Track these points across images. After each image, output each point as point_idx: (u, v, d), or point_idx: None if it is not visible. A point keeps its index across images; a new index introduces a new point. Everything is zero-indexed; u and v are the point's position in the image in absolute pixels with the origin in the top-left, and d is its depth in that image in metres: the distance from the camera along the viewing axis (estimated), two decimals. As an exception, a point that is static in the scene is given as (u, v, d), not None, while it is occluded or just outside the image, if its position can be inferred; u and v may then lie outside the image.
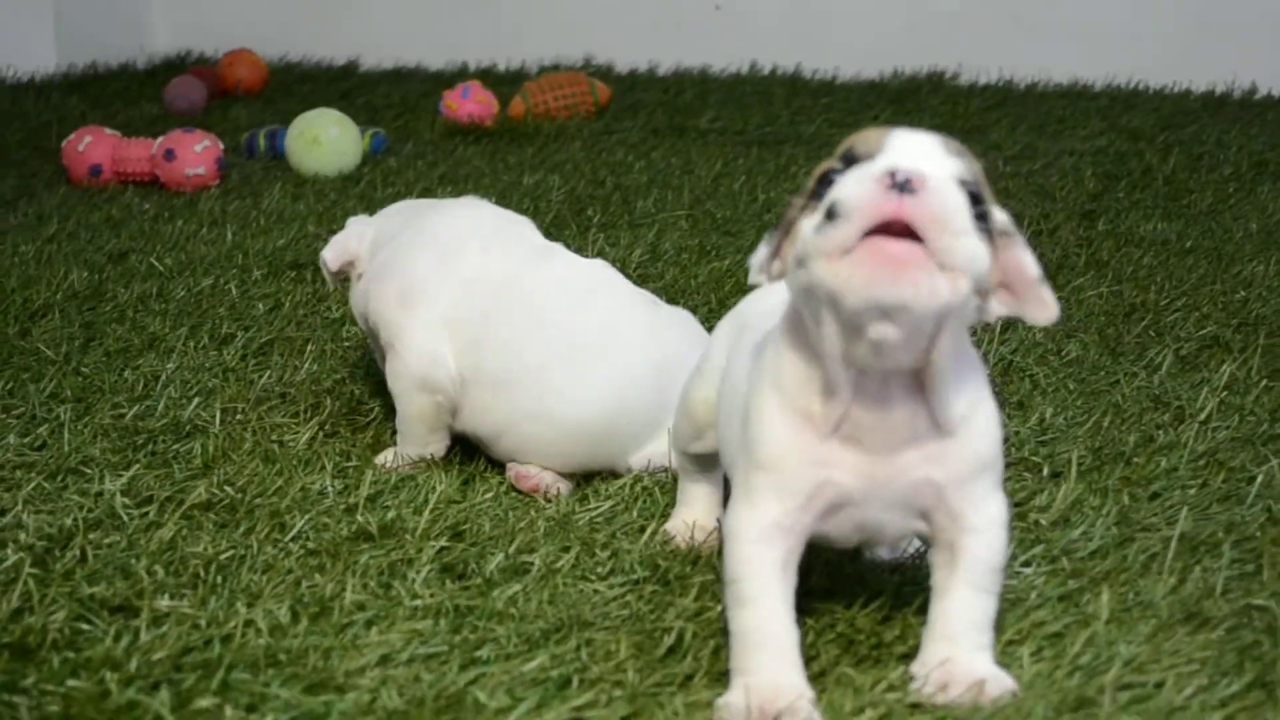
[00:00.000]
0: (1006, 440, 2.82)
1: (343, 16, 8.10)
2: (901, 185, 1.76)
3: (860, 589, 2.26)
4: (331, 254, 2.98)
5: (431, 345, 2.75)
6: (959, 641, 2.00)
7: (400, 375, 2.79)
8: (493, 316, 2.75)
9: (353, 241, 2.98)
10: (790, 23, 7.28)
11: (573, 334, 2.73)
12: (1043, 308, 1.94)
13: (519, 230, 2.93)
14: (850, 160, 1.83)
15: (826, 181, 1.84)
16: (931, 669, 2.00)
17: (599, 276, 2.84)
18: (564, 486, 2.71)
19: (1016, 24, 6.92)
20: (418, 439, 2.81)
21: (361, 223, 3.02)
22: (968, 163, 1.87)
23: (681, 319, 2.86)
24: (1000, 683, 1.97)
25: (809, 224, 1.84)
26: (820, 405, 1.94)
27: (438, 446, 2.82)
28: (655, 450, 2.72)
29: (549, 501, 2.63)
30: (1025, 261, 1.94)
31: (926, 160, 1.81)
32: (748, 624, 1.96)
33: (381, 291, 2.84)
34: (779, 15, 7.31)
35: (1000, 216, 1.92)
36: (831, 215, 1.79)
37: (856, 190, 1.78)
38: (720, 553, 2.14)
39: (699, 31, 7.44)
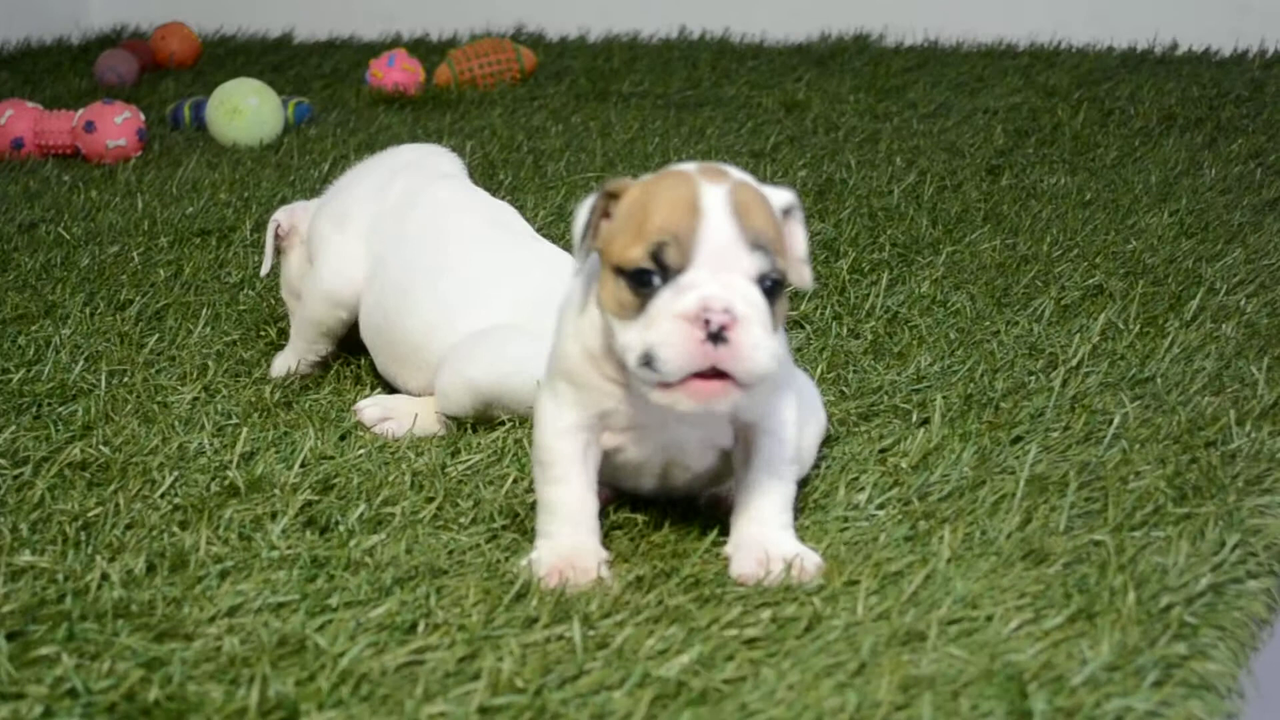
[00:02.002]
0: (879, 389, 2.88)
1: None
2: (714, 335, 2.01)
3: (711, 534, 2.30)
4: (284, 215, 3.18)
5: (347, 265, 3.00)
6: (767, 522, 2.23)
7: (314, 286, 3.03)
8: (398, 238, 2.97)
9: (301, 210, 3.19)
10: (719, -14, 7.30)
11: (462, 258, 2.89)
12: (801, 280, 2.19)
13: (439, 163, 3.17)
14: (661, 265, 2.04)
15: (642, 280, 2.05)
16: (743, 544, 2.21)
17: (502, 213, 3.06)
18: (396, 428, 2.78)
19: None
20: (308, 340, 3.06)
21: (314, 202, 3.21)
22: (764, 231, 2.07)
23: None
24: (812, 559, 2.19)
25: (627, 334, 2.08)
26: (614, 370, 2.19)
27: (324, 350, 3.07)
28: None
29: (418, 455, 2.66)
30: (797, 240, 2.17)
31: (732, 266, 2.04)
32: (554, 498, 2.23)
33: (324, 211, 3.09)
34: (707, -21, 7.34)
35: (784, 198, 2.17)
36: (651, 363, 2.04)
37: (675, 352, 2.03)
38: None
39: (629, -3, 7.46)
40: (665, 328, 2.04)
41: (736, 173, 2.14)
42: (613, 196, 2.13)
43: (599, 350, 2.18)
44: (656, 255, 2.04)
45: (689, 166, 2.14)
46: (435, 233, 2.94)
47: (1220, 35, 6.46)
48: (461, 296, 2.82)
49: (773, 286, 2.08)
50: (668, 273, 2.04)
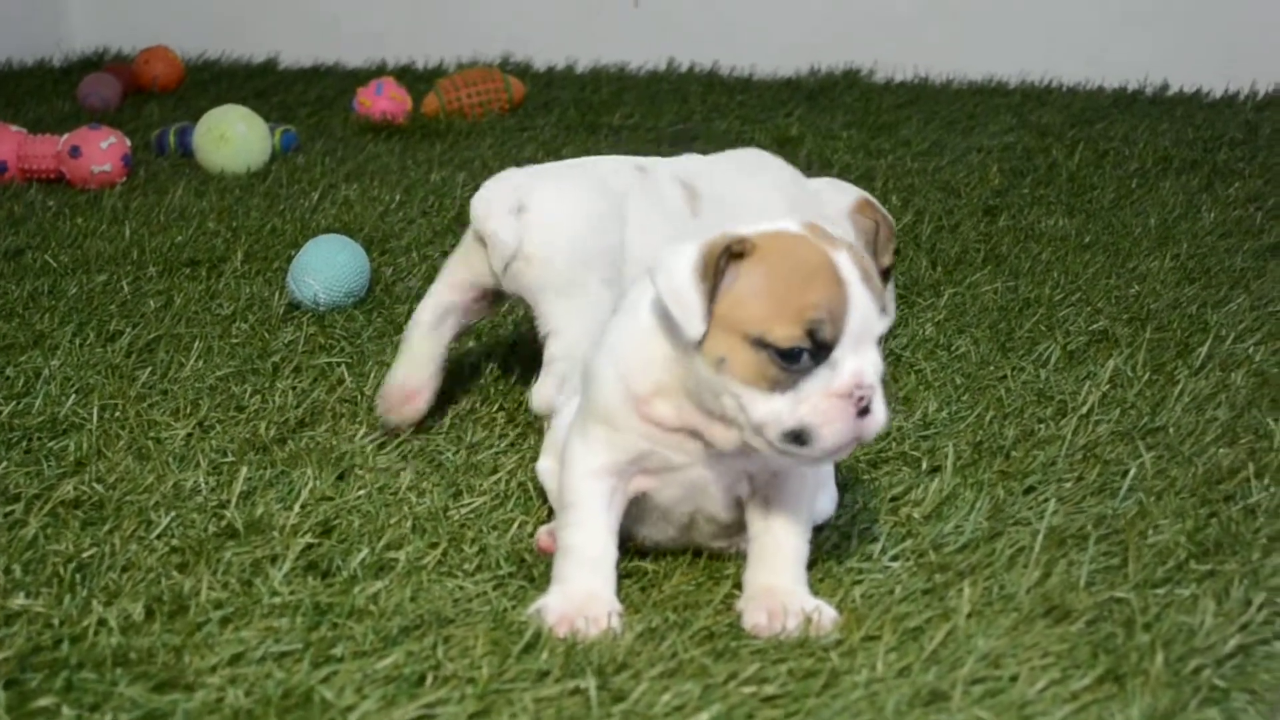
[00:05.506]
0: (887, 435, 2.83)
1: (262, 14, 8.05)
2: (862, 411, 2.04)
3: (723, 586, 2.25)
4: None
5: None
6: (781, 574, 2.20)
7: None
8: None
9: None
10: (708, 20, 7.26)
11: None
12: None
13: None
14: (816, 342, 2.02)
15: (793, 357, 2.02)
16: (757, 596, 2.17)
17: None
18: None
19: (931, 23, 6.92)
20: None
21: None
22: (880, 292, 2.09)
23: None
24: (829, 613, 2.15)
25: (769, 405, 2.05)
26: (655, 402, 2.16)
27: None
28: None
29: (419, 498, 2.60)
30: None
31: (870, 337, 2.06)
32: (574, 541, 2.19)
33: None
34: (697, 12, 7.29)
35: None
36: (802, 438, 2.04)
37: (833, 430, 2.04)
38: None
39: (617, 28, 7.42)
40: (823, 406, 2.03)
41: (828, 226, 2.13)
42: (736, 256, 2.06)
43: (646, 393, 2.14)
44: (813, 334, 2.02)
45: (793, 226, 2.10)
46: None
47: (1211, 77, 6.45)
48: None
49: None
50: (820, 351, 2.02)
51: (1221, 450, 2.73)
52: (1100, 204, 4.60)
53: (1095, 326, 3.45)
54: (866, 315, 2.04)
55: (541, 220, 2.90)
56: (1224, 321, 3.46)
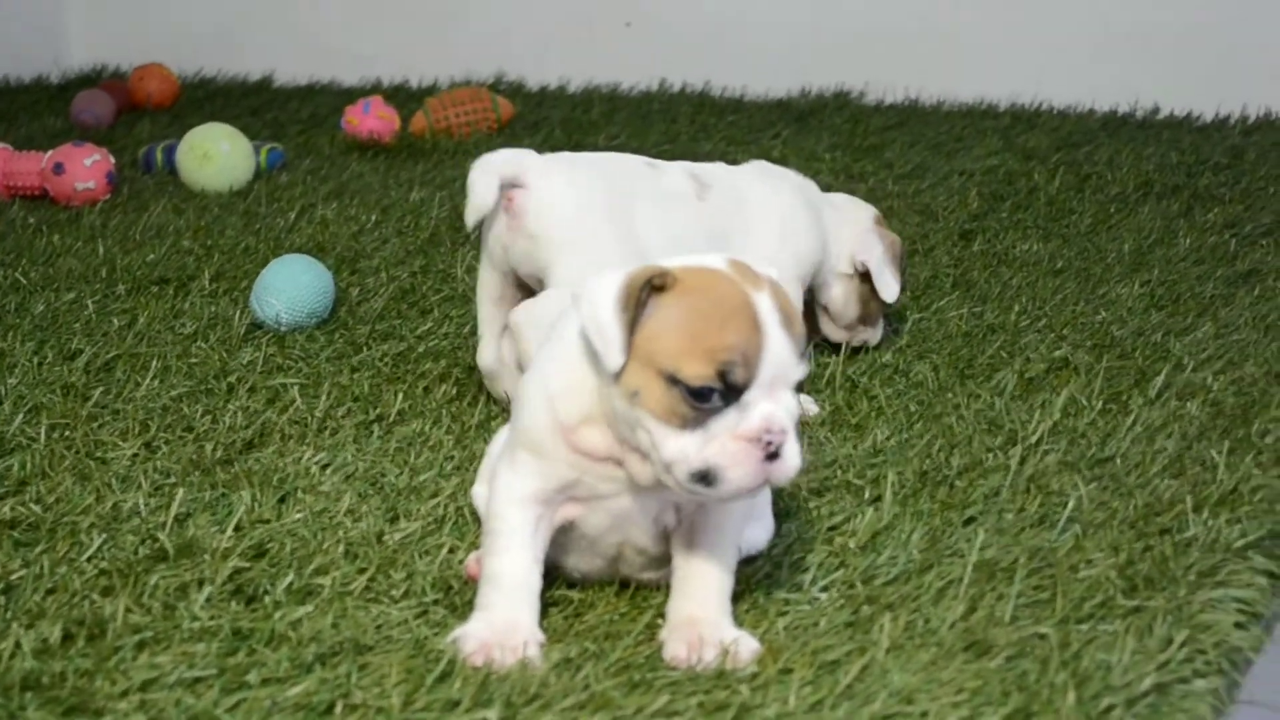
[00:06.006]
0: (833, 463, 2.82)
1: (258, 32, 8.06)
2: (771, 456, 2.02)
3: (646, 616, 2.24)
4: None
5: None
6: (705, 605, 2.17)
7: None
8: None
9: None
10: (700, 39, 7.24)
11: None
12: None
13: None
14: (728, 384, 2.01)
15: (703, 396, 2.01)
16: (679, 627, 2.15)
17: None
18: None
19: (923, 44, 6.90)
20: None
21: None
22: (801, 336, 2.08)
23: None
24: (748, 645, 2.14)
25: (678, 443, 2.04)
26: (583, 430, 2.14)
27: None
28: None
29: (355, 522, 2.59)
30: None
31: (785, 381, 2.05)
32: (497, 568, 2.18)
33: None
34: (689, 32, 7.28)
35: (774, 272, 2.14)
36: (708, 480, 2.03)
37: (739, 473, 2.03)
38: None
39: (610, 48, 7.41)
40: (730, 449, 2.02)
41: (757, 266, 2.11)
42: (655, 289, 2.05)
43: (573, 422, 2.13)
44: (724, 375, 2.01)
45: (717, 262, 2.09)
46: None
47: (1203, 100, 6.41)
48: None
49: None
50: (731, 392, 2.01)
51: (1166, 482, 2.72)
52: (1077, 229, 4.59)
53: (1057, 354, 3.43)
54: (782, 359, 2.03)
55: (541, 202, 3.04)
56: (1186, 350, 3.44)
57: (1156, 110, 6.47)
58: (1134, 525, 2.54)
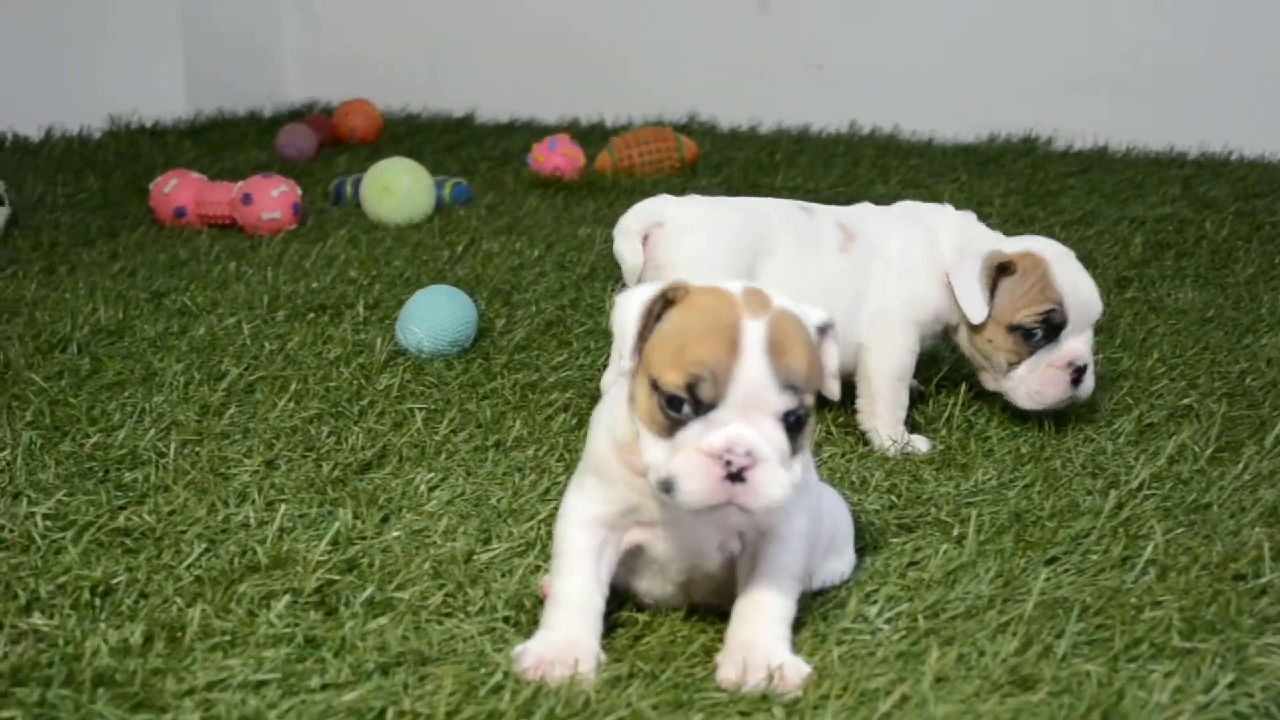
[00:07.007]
0: (929, 500, 2.84)
1: (465, 70, 8.26)
2: (734, 476, 2.07)
3: (699, 640, 2.29)
4: None
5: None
6: (761, 630, 2.22)
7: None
8: None
9: None
10: (891, 82, 7.27)
11: None
12: (830, 393, 2.23)
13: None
14: (695, 399, 2.08)
15: (674, 404, 2.09)
16: (734, 651, 2.20)
17: None
18: None
19: (1113, 92, 6.85)
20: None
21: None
22: (797, 369, 2.10)
23: None
24: (797, 669, 2.18)
25: (654, 450, 2.12)
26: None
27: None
28: None
29: (448, 540, 2.68)
30: (830, 357, 2.22)
31: (761, 407, 2.08)
32: (561, 589, 2.25)
33: None
34: (880, 75, 7.31)
35: (818, 317, 2.20)
36: (669, 489, 2.09)
37: (694, 485, 2.08)
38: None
39: (801, 90, 7.47)
40: (691, 460, 2.08)
41: (778, 298, 2.15)
42: (669, 302, 2.15)
43: (629, 440, 2.21)
44: (692, 388, 2.08)
45: (734, 287, 2.15)
46: None
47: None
48: None
49: (797, 420, 2.11)
50: (700, 405, 2.08)
51: (1255, 531, 2.70)
52: (1237, 279, 4.53)
53: (1183, 401, 3.41)
54: (758, 386, 2.08)
55: (671, 232, 3.22)
56: (1316, 401, 3.41)
57: (1351, 162, 6.35)
58: (1210, 570, 2.53)
